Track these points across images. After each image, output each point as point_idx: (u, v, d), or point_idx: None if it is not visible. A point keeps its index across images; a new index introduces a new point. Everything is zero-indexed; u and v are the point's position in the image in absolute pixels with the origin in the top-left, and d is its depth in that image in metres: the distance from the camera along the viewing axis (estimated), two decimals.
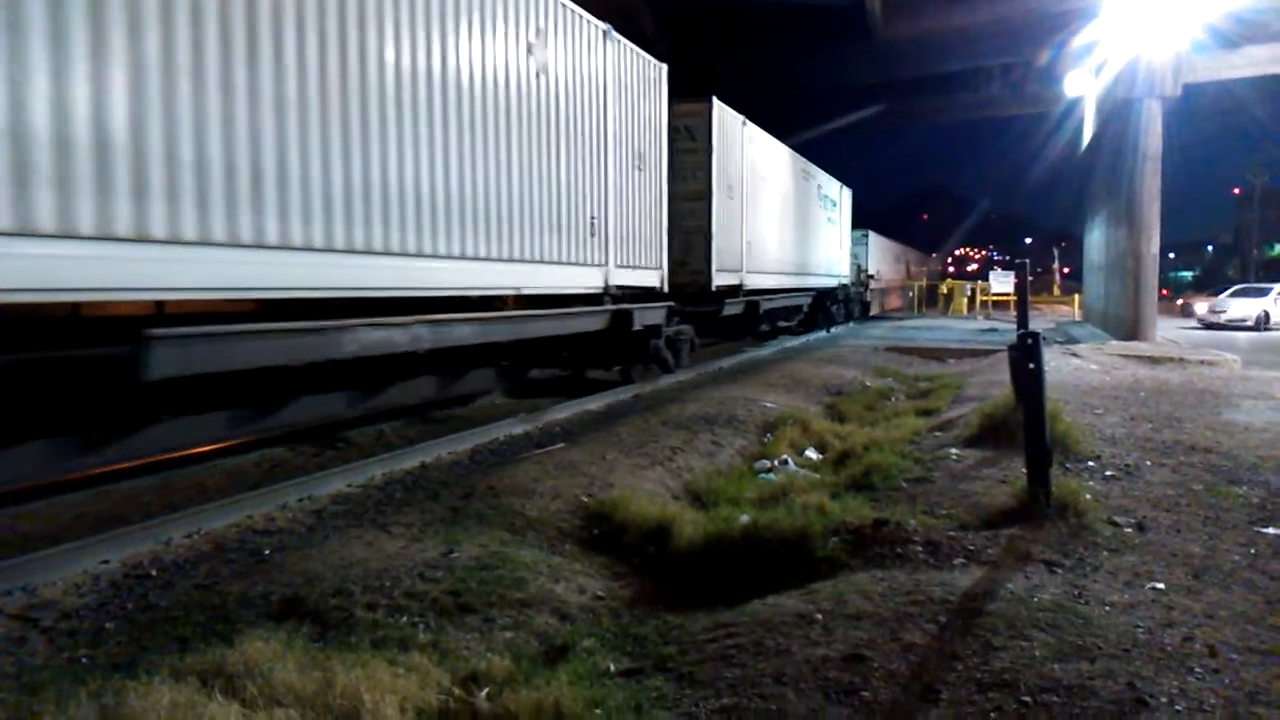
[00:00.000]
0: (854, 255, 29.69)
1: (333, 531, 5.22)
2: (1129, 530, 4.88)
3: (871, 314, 34.77)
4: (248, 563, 4.66)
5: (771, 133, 18.12)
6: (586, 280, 10.23)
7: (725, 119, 14.88)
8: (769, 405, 10.24)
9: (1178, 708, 2.91)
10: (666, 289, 12.56)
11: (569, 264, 9.73)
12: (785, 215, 19.55)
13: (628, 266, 11.30)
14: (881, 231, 41.90)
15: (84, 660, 3.58)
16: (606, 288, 10.65)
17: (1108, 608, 3.75)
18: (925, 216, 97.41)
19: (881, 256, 41.87)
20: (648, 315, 11.59)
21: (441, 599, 4.09)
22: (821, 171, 23.29)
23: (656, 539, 5.21)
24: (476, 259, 7.90)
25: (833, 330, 24.94)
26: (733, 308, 15.59)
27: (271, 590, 4.16)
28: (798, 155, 20.74)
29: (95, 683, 3.17)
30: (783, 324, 22.22)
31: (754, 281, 16.76)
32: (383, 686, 3.20)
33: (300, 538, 5.14)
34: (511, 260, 8.48)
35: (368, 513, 5.63)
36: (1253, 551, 4.56)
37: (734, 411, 9.54)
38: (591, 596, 4.48)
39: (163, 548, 4.85)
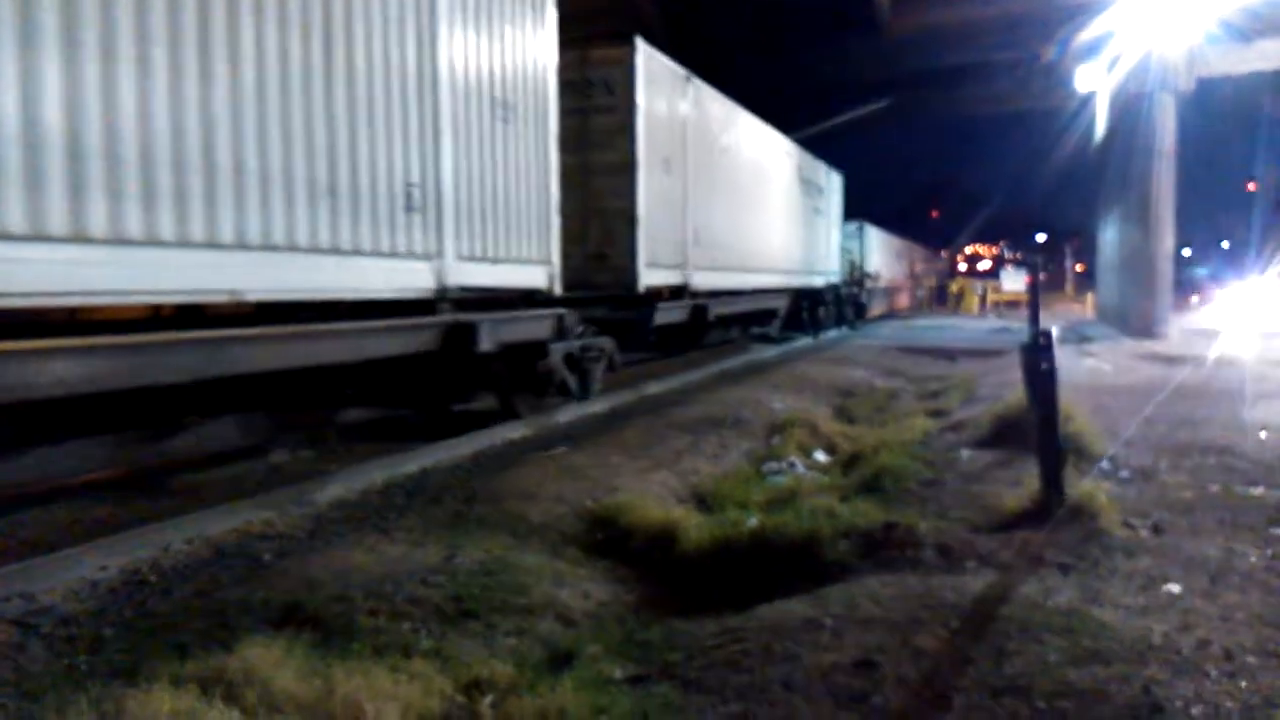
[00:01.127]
0: (846, 251, 26.62)
1: (333, 537, 5.17)
2: (1144, 533, 4.81)
3: (874, 314, 31.79)
4: (247, 569, 4.62)
5: (780, 126, 17.10)
6: (397, 280, 6.96)
7: (655, 70, 11.63)
8: (776, 406, 10.17)
9: (1194, 713, 2.86)
10: (560, 290, 9.45)
11: (358, 254, 6.44)
12: (753, 200, 16.41)
13: (482, 259, 8.05)
14: (891, 228, 39.19)
15: (83, 667, 3.55)
16: (442, 289, 7.48)
17: (1123, 611, 3.69)
18: (935, 213, 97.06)
19: (882, 253, 38.67)
20: (515, 328, 8.59)
21: (444, 605, 4.04)
22: (804, 152, 20.33)
23: (662, 543, 5.15)
24: (126, 243, 4.78)
25: (821, 336, 22.17)
26: (668, 314, 12.43)
27: (271, 596, 4.12)
28: (774, 130, 17.44)
29: (95, 689, 3.15)
30: (755, 330, 19.80)
31: (704, 280, 13.55)
32: (384, 694, 3.16)
33: (300, 543, 5.10)
34: (220, 246, 5.33)
35: (369, 517, 5.58)
36: (1270, 554, 4.48)
37: (741, 413, 9.47)
38: (596, 602, 4.43)
39: (162, 553, 4.81)
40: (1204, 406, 8.97)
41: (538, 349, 8.95)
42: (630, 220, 11.04)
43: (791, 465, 7.53)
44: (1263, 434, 7.47)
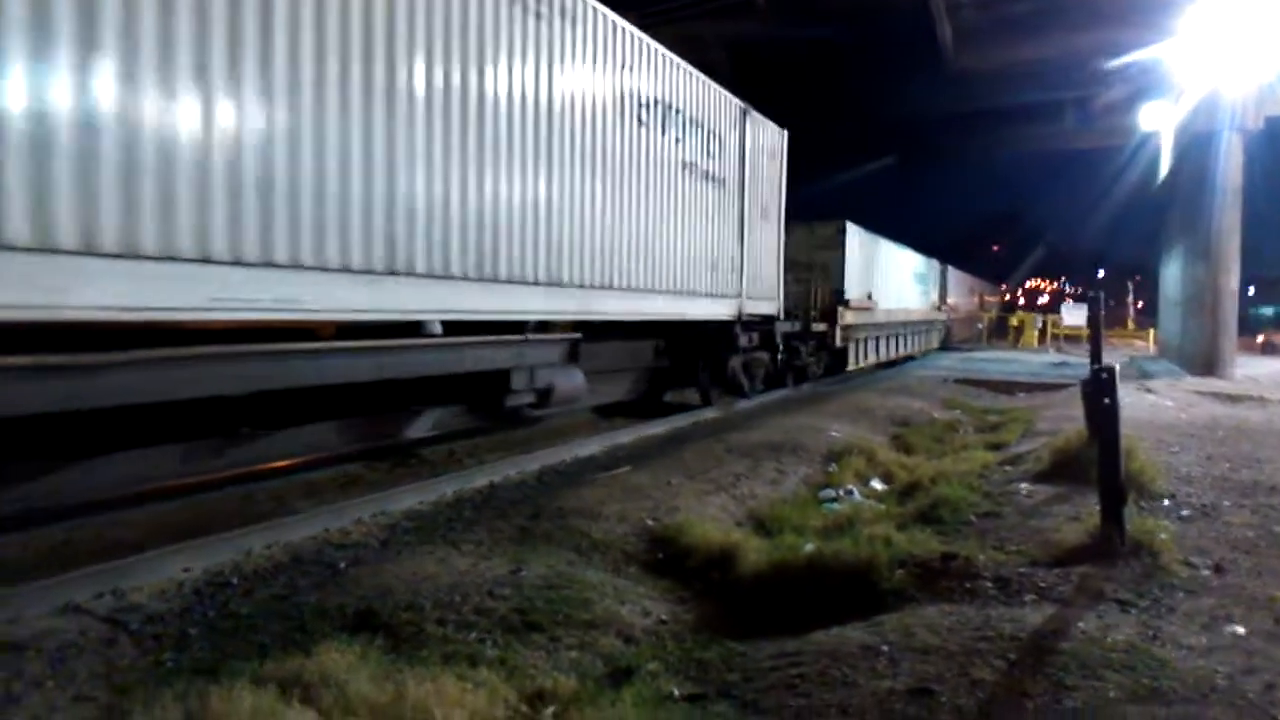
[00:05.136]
0: (806, 265, 17.51)
1: (405, 547, 5.34)
2: (1206, 572, 4.76)
3: (894, 357, 23.72)
4: (324, 575, 4.80)
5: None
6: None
7: None
8: (834, 434, 10.18)
9: None
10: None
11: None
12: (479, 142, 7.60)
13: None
14: (953, 261, 36.43)
15: (169, 663, 3.73)
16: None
17: (1184, 651, 3.66)
18: (996, 247, 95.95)
19: (956, 288, 35.80)
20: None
21: (509, 616, 4.16)
22: (690, 74, 10.76)
23: (720, 565, 5.23)
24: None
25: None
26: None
27: (346, 602, 4.27)
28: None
29: (180, 685, 3.31)
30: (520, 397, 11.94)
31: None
32: (452, 701, 3.27)
33: (374, 552, 5.28)
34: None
35: (439, 529, 5.75)
36: None
37: (799, 439, 9.51)
38: (656, 620, 4.51)
39: (243, 558, 5.02)
40: (1268, 446, 8.79)
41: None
42: None
43: (849, 493, 7.55)
44: None
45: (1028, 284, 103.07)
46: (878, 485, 8.12)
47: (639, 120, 9.53)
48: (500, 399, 7.83)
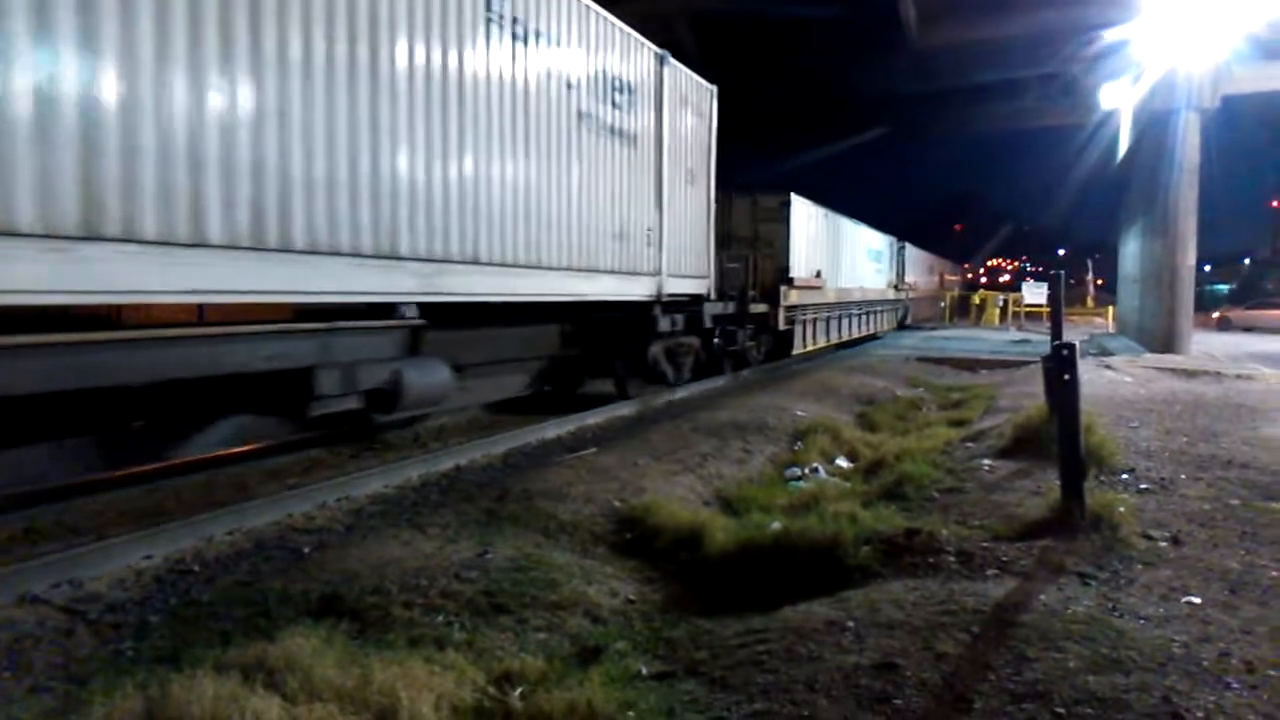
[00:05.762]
0: (749, 241, 16.41)
1: (370, 531, 5.31)
2: (1164, 544, 4.85)
3: (846, 339, 22.60)
4: (287, 560, 4.75)
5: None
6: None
7: None
8: (799, 413, 10.24)
9: None
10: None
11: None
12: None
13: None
14: (915, 240, 36.43)
15: (129, 653, 3.68)
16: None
17: (1142, 621, 3.73)
18: (959, 227, 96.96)
19: (915, 267, 34.46)
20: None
21: (476, 599, 4.15)
22: (588, 7, 9.26)
23: (688, 544, 5.25)
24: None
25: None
26: None
27: (311, 588, 4.24)
28: None
29: (141, 674, 3.27)
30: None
31: None
32: (419, 684, 3.25)
33: (339, 536, 5.24)
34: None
35: (404, 513, 5.72)
36: None
37: (764, 419, 9.55)
38: (623, 600, 4.52)
39: (205, 544, 4.95)
40: (1223, 421, 8.97)
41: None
42: None
43: (814, 471, 7.60)
44: None
45: (990, 263, 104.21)
46: (843, 463, 8.19)
47: (512, 53, 7.75)
48: (304, 405, 6.10)
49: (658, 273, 10.84)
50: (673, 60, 11.13)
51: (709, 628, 4.11)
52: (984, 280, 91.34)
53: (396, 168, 6.40)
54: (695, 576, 4.96)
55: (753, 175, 14.33)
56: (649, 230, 10.60)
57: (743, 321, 14.63)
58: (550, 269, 8.45)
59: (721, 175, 13.17)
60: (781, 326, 16.43)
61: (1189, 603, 3.99)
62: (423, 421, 8.89)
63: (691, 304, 12.15)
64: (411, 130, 6.55)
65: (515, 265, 7.88)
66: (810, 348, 19.03)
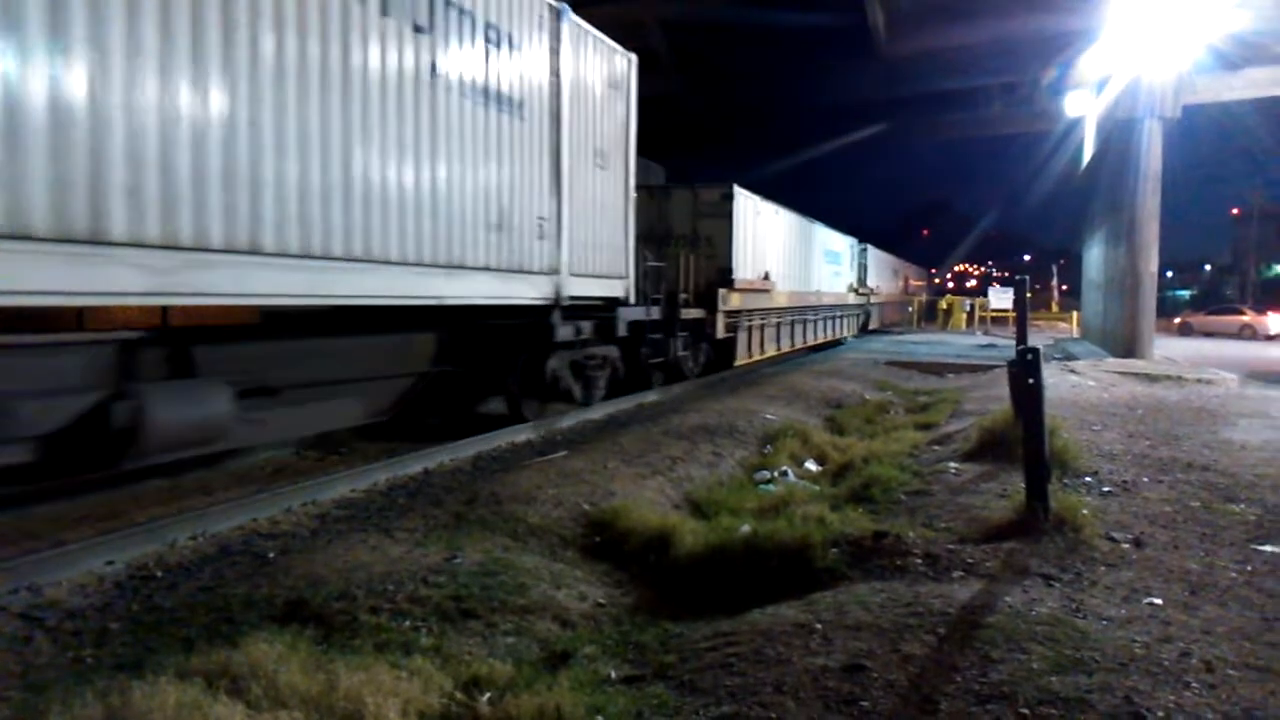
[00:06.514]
0: (688, 239, 14.96)
1: (336, 535, 5.26)
2: (1126, 546, 4.91)
3: (800, 347, 21.12)
4: (252, 565, 4.70)
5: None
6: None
7: None
8: (769, 417, 10.28)
9: None
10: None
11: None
12: None
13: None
14: (883, 245, 36.46)
15: (89, 660, 3.61)
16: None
17: (1105, 622, 3.78)
18: (926, 232, 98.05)
19: (879, 270, 33.29)
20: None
21: (444, 604, 4.12)
22: None
23: (657, 548, 5.25)
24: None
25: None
26: None
27: (276, 593, 4.19)
28: None
29: (101, 682, 3.21)
30: None
31: None
32: (385, 690, 3.23)
33: (304, 541, 5.19)
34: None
35: (371, 517, 5.68)
36: (1249, 569, 4.60)
37: (735, 422, 9.58)
38: (593, 604, 4.51)
39: (168, 549, 4.88)
40: (1184, 424, 9.12)
41: None
42: None
43: (783, 474, 7.63)
44: (1241, 451, 7.61)
45: (957, 268, 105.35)
46: (812, 466, 8.23)
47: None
48: None
49: (554, 271, 9.05)
50: (575, 17, 9.24)
51: (678, 631, 4.12)
52: (951, 286, 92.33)
53: (100, 96, 4.46)
54: (665, 580, 4.96)
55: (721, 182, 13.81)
56: (541, 220, 8.77)
57: (672, 329, 13.03)
58: (388, 263, 6.57)
59: (687, 180, 12.37)
60: (720, 334, 14.77)
61: (1150, 604, 4.05)
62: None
63: (606, 309, 10.51)
64: (171, 84, 4.78)
65: (327, 258, 5.99)
66: (756, 357, 17.31)
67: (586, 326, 9.99)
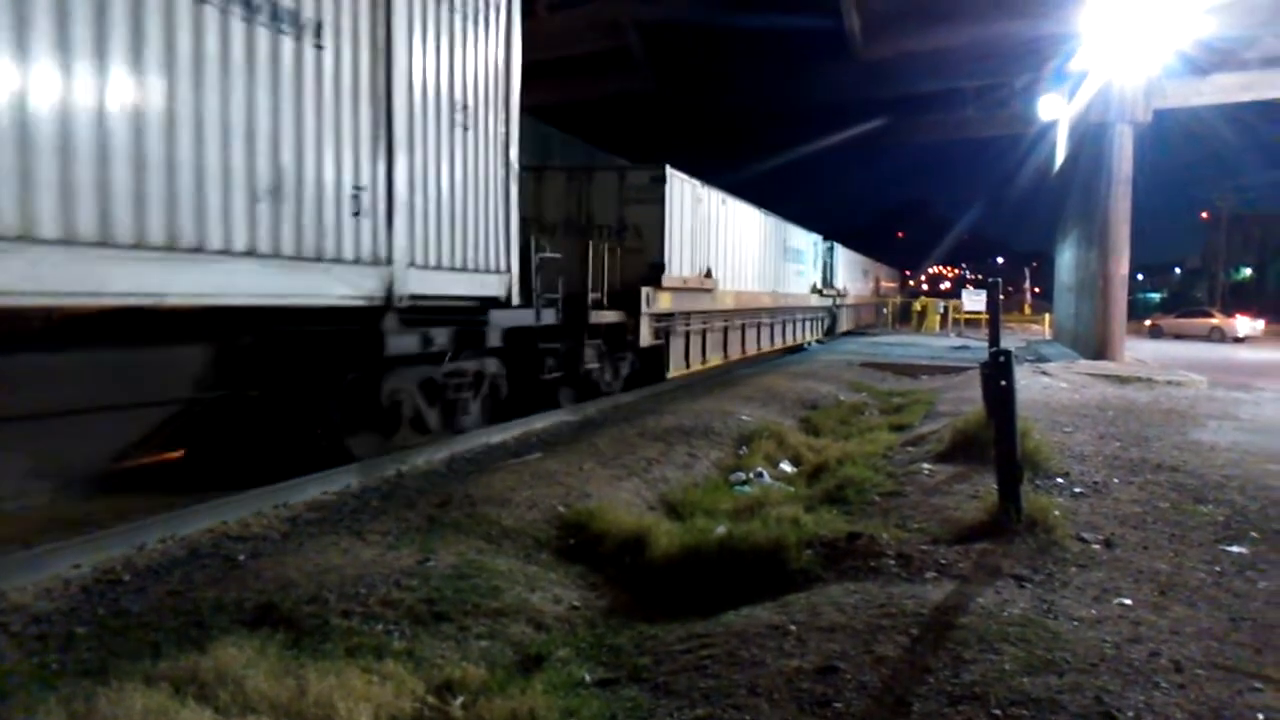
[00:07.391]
0: (614, 229, 12.80)
1: (308, 538, 5.20)
2: (1097, 546, 4.96)
3: (750, 355, 19.13)
4: (222, 569, 4.64)
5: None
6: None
7: None
8: (745, 418, 10.30)
9: None
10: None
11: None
12: None
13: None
14: (858, 247, 36.12)
15: (54, 666, 3.55)
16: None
17: (1076, 623, 3.80)
18: (901, 235, 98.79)
19: (849, 270, 31.69)
20: None
21: (417, 607, 4.09)
22: None
23: (632, 549, 5.24)
24: None
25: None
26: None
27: (245, 597, 4.14)
28: None
29: (66, 689, 3.16)
30: None
31: None
32: (356, 694, 3.21)
33: (275, 544, 5.13)
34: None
35: (343, 520, 5.62)
36: (1218, 569, 4.65)
37: (710, 424, 9.59)
38: (567, 606, 4.49)
39: (136, 552, 4.82)
40: (1154, 426, 9.22)
41: None
42: None
43: (759, 475, 7.64)
44: (1210, 453, 7.70)
45: (931, 270, 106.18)
46: (787, 467, 8.25)
47: None
48: None
49: (383, 261, 6.99)
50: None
51: (653, 633, 4.10)
52: (925, 288, 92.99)
53: None
54: (640, 582, 4.95)
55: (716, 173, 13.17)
56: (358, 189, 6.67)
57: (579, 336, 10.97)
58: (35, 241, 4.36)
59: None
60: (646, 341, 12.51)
61: (1120, 604, 4.08)
62: None
63: (478, 311, 8.50)
64: None
65: None
66: (696, 367, 15.06)
67: (441, 335, 7.80)
